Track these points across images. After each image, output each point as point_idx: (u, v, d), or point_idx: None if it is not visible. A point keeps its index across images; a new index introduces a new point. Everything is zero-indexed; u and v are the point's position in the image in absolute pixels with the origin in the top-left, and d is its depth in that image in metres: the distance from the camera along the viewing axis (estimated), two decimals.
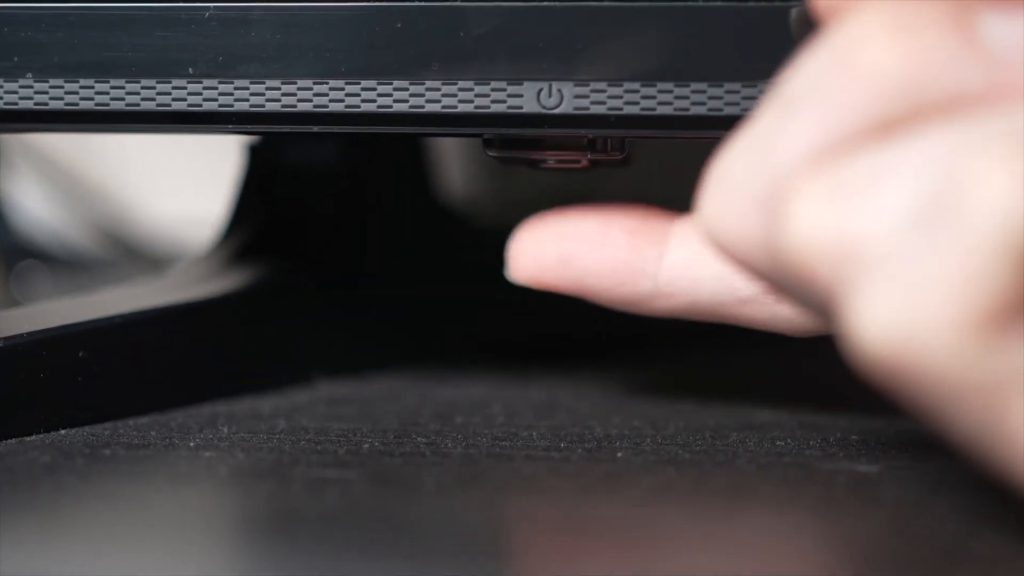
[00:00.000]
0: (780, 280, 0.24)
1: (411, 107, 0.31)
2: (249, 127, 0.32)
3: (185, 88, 0.31)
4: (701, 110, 0.30)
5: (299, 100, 0.31)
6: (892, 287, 0.21)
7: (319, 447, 0.32)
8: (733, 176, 0.24)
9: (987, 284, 0.21)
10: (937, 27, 0.23)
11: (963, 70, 0.22)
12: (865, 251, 0.22)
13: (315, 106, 0.31)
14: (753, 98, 0.29)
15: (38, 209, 0.67)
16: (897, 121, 0.22)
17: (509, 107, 0.30)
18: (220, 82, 0.31)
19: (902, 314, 0.21)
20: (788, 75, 0.24)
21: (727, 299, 0.31)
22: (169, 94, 0.31)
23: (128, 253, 0.64)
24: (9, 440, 0.32)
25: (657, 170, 0.48)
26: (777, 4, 0.29)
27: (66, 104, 0.32)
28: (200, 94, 0.31)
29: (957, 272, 0.21)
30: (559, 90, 0.30)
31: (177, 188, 0.68)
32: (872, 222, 0.22)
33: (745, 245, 0.24)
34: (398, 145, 0.43)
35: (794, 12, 0.28)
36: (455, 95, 0.30)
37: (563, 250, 0.31)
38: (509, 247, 0.32)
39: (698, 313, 0.32)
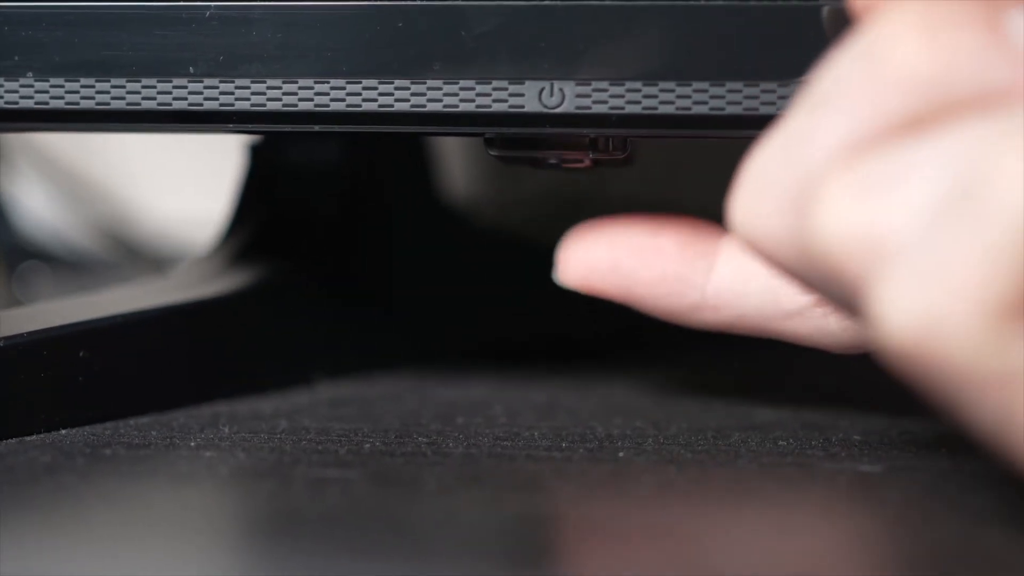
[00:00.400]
0: (809, 276, 0.24)
1: (412, 106, 0.31)
2: (250, 126, 0.32)
3: (186, 87, 0.31)
4: (703, 109, 0.29)
5: (300, 99, 0.31)
6: (916, 277, 0.22)
7: (320, 447, 0.32)
8: (765, 174, 0.24)
9: (1007, 275, 0.21)
10: (966, 26, 0.23)
11: (990, 68, 0.23)
12: (891, 243, 0.22)
13: (316, 105, 0.31)
14: (755, 97, 0.29)
15: (39, 209, 0.67)
16: (925, 118, 0.23)
17: (511, 106, 0.30)
18: (221, 81, 0.31)
19: (925, 303, 0.22)
20: (820, 74, 0.24)
21: (773, 313, 0.31)
22: (170, 93, 0.31)
23: (129, 253, 0.64)
24: (9, 440, 0.32)
25: (660, 170, 0.48)
26: (779, 4, 0.29)
27: (67, 103, 0.32)
28: (201, 93, 0.31)
29: (979, 263, 0.21)
30: (561, 89, 0.30)
31: (178, 188, 0.68)
32: (898, 215, 0.22)
33: (775, 241, 0.24)
34: (399, 145, 0.43)
35: (826, 10, 0.28)
36: (456, 94, 0.30)
37: (613, 257, 0.31)
38: (559, 251, 0.32)
39: (743, 327, 0.32)
